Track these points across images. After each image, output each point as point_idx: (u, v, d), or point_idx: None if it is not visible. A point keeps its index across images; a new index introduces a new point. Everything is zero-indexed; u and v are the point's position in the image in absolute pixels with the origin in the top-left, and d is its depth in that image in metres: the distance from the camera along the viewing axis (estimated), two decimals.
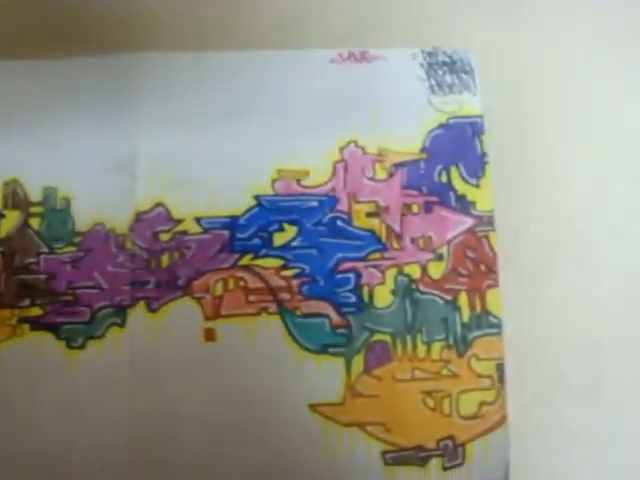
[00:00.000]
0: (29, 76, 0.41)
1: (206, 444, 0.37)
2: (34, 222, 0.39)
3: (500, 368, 0.37)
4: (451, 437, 0.37)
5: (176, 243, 0.39)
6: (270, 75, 0.40)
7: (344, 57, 0.40)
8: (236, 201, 0.39)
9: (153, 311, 0.38)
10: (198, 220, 0.39)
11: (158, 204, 0.39)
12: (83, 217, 0.39)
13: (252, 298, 0.38)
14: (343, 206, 0.39)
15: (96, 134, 0.40)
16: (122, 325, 0.38)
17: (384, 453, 0.37)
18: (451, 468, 0.37)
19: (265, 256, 0.38)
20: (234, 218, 0.39)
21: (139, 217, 0.39)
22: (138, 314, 0.38)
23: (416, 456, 0.37)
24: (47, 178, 0.39)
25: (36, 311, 0.38)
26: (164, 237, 0.39)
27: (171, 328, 0.38)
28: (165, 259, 0.38)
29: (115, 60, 0.40)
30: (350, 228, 0.39)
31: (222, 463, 0.37)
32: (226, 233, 0.38)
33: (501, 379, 0.37)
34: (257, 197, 0.39)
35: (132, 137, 0.39)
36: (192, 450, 0.37)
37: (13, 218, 0.39)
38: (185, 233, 0.39)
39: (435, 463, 0.37)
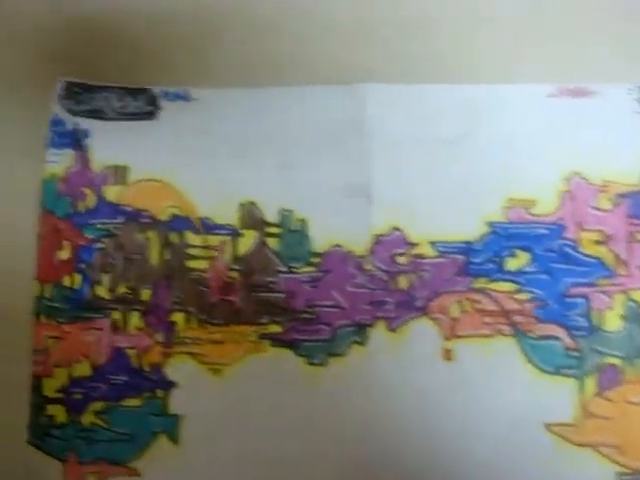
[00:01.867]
0: (258, 102, 0.43)
1: (439, 461, 0.38)
2: (272, 242, 0.41)
3: None
4: None
5: (413, 266, 0.40)
6: (491, 107, 0.42)
7: (561, 92, 0.43)
8: (470, 227, 0.40)
9: (393, 330, 0.39)
10: (433, 244, 0.40)
11: (395, 228, 0.41)
12: (320, 238, 0.41)
13: (487, 320, 0.40)
14: (570, 234, 0.40)
15: (329, 158, 0.41)
16: (363, 343, 0.39)
17: (619, 475, 0.38)
18: None
19: (499, 280, 0.40)
20: (468, 243, 0.40)
21: (377, 240, 0.40)
22: (378, 333, 0.39)
23: None
24: (282, 201, 0.41)
25: (275, 328, 0.40)
26: (401, 260, 0.40)
27: (410, 347, 0.39)
28: (403, 281, 0.40)
29: (341, 89, 0.42)
30: (578, 255, 0.40)
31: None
32: (461, 258, 0.40)
33: None
34: (490, 224, 0.40)
35: (366, 162, 0.41)
36: (419, 466, 0.38)
37: (251, 237, 0.41)
38: (421, 256, 0.40)
39: None
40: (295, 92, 0.43)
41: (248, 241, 0.41)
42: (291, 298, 0.40)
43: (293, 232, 0.41)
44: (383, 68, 0.43)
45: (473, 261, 0.40)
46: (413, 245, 0.40)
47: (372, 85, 0.42)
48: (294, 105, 0.43)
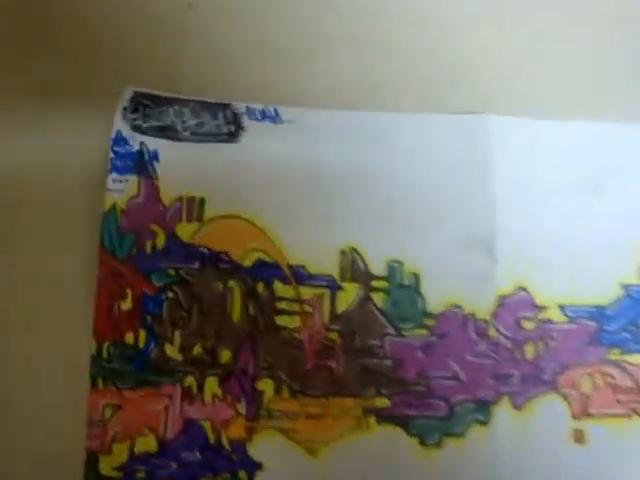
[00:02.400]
0: (361, 129, 0.36)
1: None
2: (377, 298, 0.35)
3: None
4: None
5: (540, 332, 0.35)
6: (628, 148, 0.37)
7: None
8: (602, 289, 0.35)
9: (518, 408, 0.34)
10: (562, 308, 0.35)
11: (521, 288, 0.35)
12: (435, 297, 0.35)
13: (621, 397, 0.35)
14: None
15: (446, 202, 0.35)
16: (485, 423, 0.34)
17: None
18: None
19: (634, 352, 0.35)
20: (600, 308, 0.35)
21: (502, 301, 0.35)
22: (503, 411, 0.34)
23: None
24: (391, 250, 0.35)
25: (382, 402, 0.34)
26: (528, 325, 0.35)
27: (537, 427, 0.34)
28: (530, 350, 0.35)
29: (462, 119, 0.36)
30: None
31: None
32: (593, 324, 0.35)
33: None
34: (625, 287, 0.36)
35: (490, 209, 0.35)
36: None
37: (353, 292, 0.35)
38: (549, 322, 0.35)
39: None
40: (407, 119, 0.36)
41: (349, 296, 0.35)
42: (400, 366, 0.34)
43: (403, 288, 0.35)
44: (502, 98, 0.37)
45: (606, 329, 0.35)
46: (540, 308, 0.35)
47: (498, 117, 0.36)
48: (406, 134, 0.36)
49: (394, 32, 0.37)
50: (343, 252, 0.35)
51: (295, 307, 0.35)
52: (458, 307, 0.35)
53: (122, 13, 0.35)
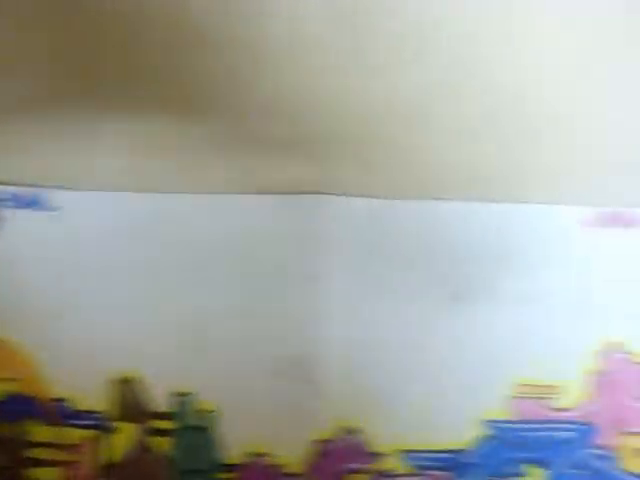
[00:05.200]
0: None
1: None
2: (160, 443, 0.27)
3: None
4: None
5: None
6: (511, 234, 0.29)
7: (598, 218, 0.29)
8: (457, 429, 0.27)
9: None
10: (405, 455, 0.27)
11: (348, 430, 0.27)
12: (235, 442, 0.27)
13: None
14: (605, 439, 0.28)
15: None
16: None
17: None
18: None
19: None
20: (455, 453, 0.27)
21: (322, 448, 0.27)
22: None
23: None
24: (179, 378, 0.27)
25: None
26: (360, 479, 0.27)
27: None
28: None
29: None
30: (617, 473, 0.27)
31: None
32: (445, 475, 0.27)
33: None
34: (487, 423, 0.27)
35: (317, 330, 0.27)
36: None
37: (129, 434, 0.27)
38: (388, 474, 0.27)
39: None
40: None
41: (124, 439, 0.27)
42: None
43: (193, 429, 0.27)
44: None
45: None
46: (376, 457, 0.27)
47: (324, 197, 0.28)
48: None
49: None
50: (114, 381, 0.27)
51: (56, 454, 0.27)
52: (262, 456, 0.27)
53: None
